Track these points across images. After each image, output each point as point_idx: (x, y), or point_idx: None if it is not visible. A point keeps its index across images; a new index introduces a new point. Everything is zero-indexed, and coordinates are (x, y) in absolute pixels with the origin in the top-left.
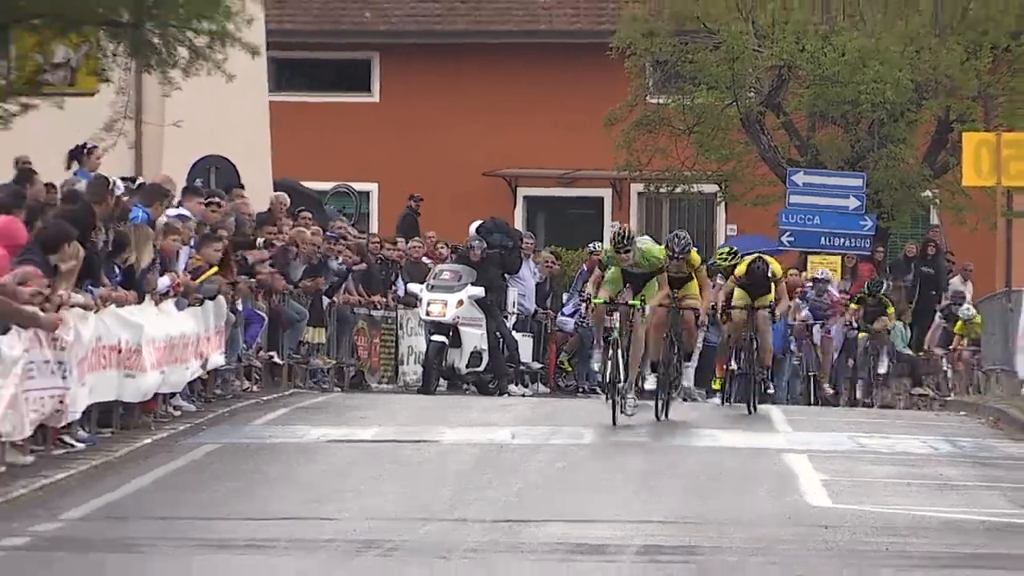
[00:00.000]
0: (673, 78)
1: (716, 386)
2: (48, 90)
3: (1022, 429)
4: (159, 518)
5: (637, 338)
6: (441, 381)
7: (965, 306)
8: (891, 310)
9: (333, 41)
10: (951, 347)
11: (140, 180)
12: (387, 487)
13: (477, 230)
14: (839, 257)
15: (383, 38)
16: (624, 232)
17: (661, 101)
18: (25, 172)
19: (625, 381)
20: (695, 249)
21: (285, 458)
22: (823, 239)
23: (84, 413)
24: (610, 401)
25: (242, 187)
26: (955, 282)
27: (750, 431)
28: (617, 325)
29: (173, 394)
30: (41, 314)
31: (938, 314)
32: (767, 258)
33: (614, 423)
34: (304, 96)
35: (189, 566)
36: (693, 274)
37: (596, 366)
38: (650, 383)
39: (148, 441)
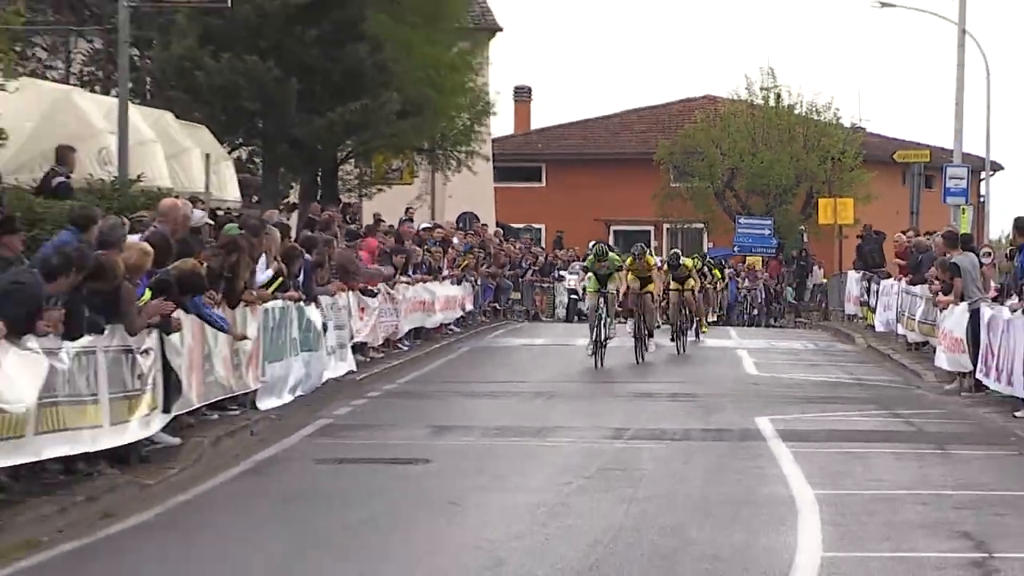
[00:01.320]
0: (683, 174)
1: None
2: (391, 181)
3: (846, 339)
4: (443, 381)
5: (611, 312)
6: (574, 318)
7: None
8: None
9: (524, 154)
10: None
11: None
12: (550, 366)
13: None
14: (759, 257)
15: (548, 158)
16: (602, 249)
17: (676, 185)
18: (375, 222)
19: (607, 329)
20: (650, 255)
21: (503, 354)
22: (753, 248)
23: (406, 334)
24: (594, 355)
25: (484, 226)
26: (815, 269)
27: (718, 339)
28: (601, 306)
29: (449, 324)
30: (382, 271)
31: (810, 282)
32: (683, 257)
33: (597, 368)
34: (509, 183)
35: (457, 404)
36: (652, 272)
37: (585, 342)
38: (613, 335)
39: (437, 346)
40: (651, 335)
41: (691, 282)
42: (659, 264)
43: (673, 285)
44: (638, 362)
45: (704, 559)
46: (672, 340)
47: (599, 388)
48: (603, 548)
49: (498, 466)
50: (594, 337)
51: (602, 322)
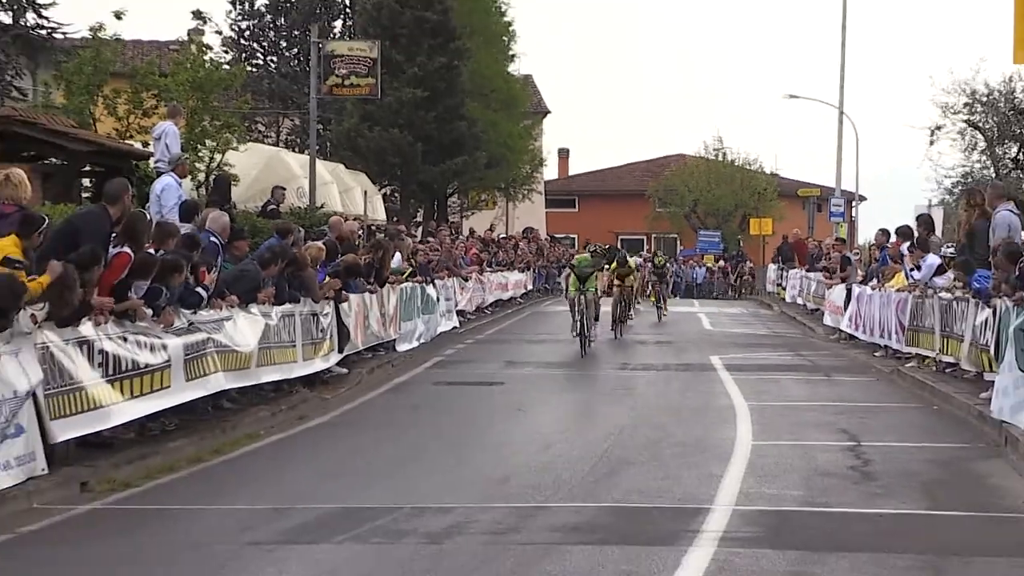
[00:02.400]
0: (664, 203)
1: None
2: (480, 207)
3: (767, 308)
4: (513, 333)
5: (592, 308)
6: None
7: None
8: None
9: (564, 191)
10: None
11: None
12: None
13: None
14: (714, 255)
15: (579, 193)
16: (623, 256)
17: (660, 210)
18: (471, 234)
19: (589, 331)
20: (630, 259)
21: (551, 316)
22: (708, 250)
23: (491, 304)
24: (579, 342)
25: (539, 235)
26: (747, 263)
27: (686, 307)
28: (582, 303)
29: (517, 297)
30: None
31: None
32: (628, 256)
33: (583, 355)
34: (555, 209)
35: (523, 347)
36: (631, 270)
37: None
38: (595, 334)
39: (510, 311)
40: (629, 314)
41: (630, 279)
42: (640, 263)
43: (616, 281)
44: (615, 337)
45: (678, 445)
46: (612, 327)
47: (609, 337)
48: (614, 438)
49: (548, 387)
50: (578, 330)
51: (584, 318)
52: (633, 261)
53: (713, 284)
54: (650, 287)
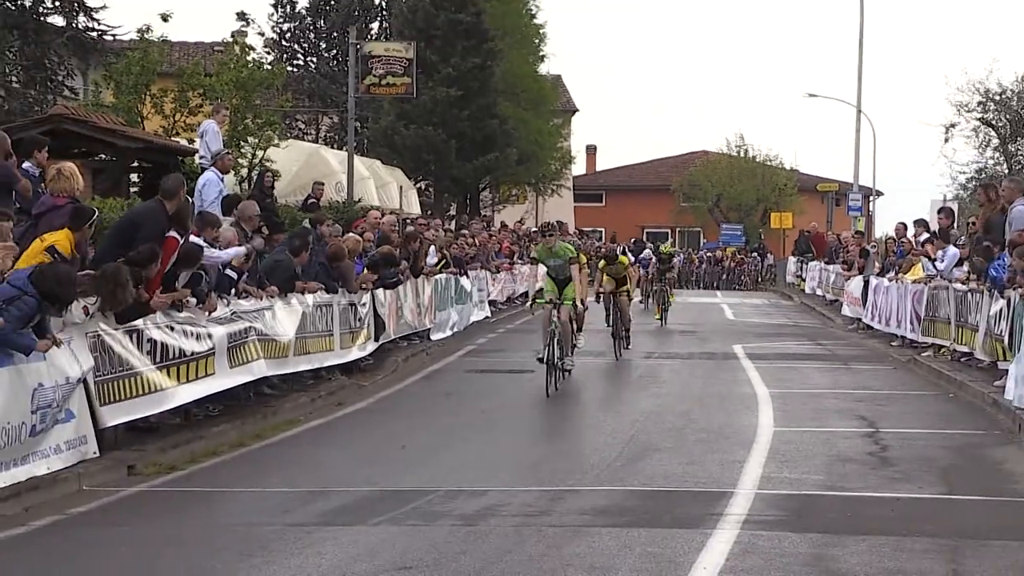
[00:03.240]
0: (689, 198)
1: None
2: (512, 202)
3: (788, 299)
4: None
5: (564, 327)
6: None
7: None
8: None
9: (592, 186)
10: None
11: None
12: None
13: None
14: (736, 248)
15: (606, 188)
16: (550, 224)
17: (684, 204)
18: (502, 227)
19: (563, 358)
20: (623, 255)
21: None
22: (731, 243)
23: (521, 294)
24: (547, 378)
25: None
26: (768, 255)
27: (709, 298)
28: (555, 322)
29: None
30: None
31: (765, 263)
32: (620, 255)
33: (548, 395)
34: (583, 203)
35: (529, 358)
36: (627, 272)
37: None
38: (568, 363)
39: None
40: (628, 331)
41: (626, 286)
42: (632, 261)
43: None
44: (617, 358)
45: (701, 431)
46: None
47: (637, 326)
48: (640, 423)
49: (575, 376)
50: (547, 356)
51: (555, 340)
52: (627, 258)
53: (728, 274)
54: (652, 286)
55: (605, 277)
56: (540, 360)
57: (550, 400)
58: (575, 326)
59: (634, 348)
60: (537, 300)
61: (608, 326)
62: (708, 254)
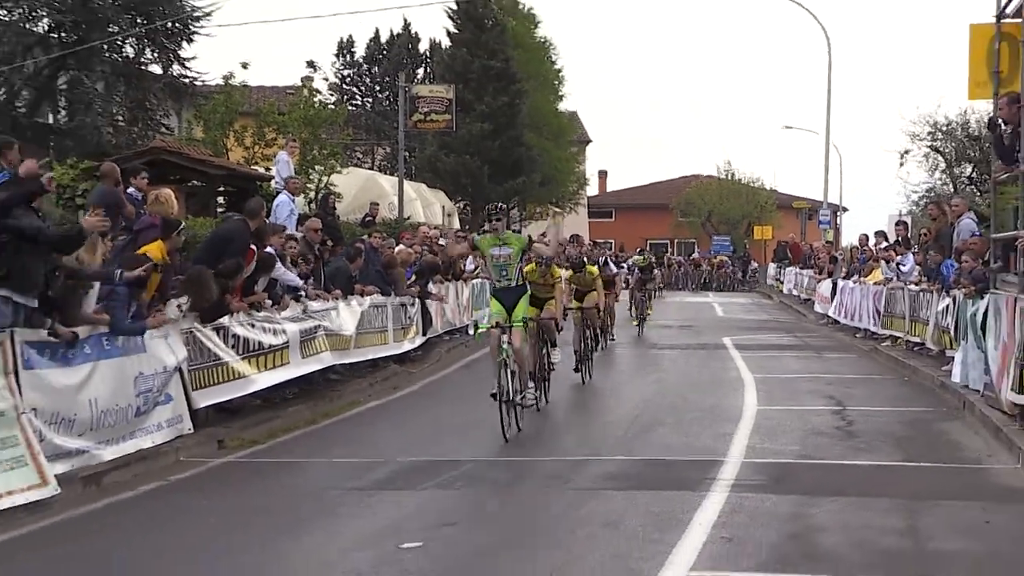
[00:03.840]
0: (685, 214)
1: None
2: (535, 219)
3: (768, 298)
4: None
5: (519, 354)
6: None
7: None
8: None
9: (603, 204)
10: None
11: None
12: (620, 313)
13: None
14: (727, 256)
15: (616, 206)
16: (495, 207)
17: (681, 220)
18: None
19: (519, 393)
20: (591, 265)
21: None
22: (721, 251)
23: None
24: (501, 419)
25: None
26: (752, 262)
27: (702, 297)
28: (505, 348)
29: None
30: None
31: (749, 269)
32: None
33: (505, 439)
34: (596, 220)
35: (571, 329)
36: (596, 282)
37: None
38: (529, 398)
39: None
40: (606, 334)
41: (592, 296)
42: (614, 272)
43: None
44: (583, 383)
45: (696, 411)
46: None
47: (576, 381)
48: (643, 405)
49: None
50: (500, 392)
51: (506, 370)
52: (594, 268)
53: (716, 278)
54: (633, 295)
55: (571, 289)
56: (493, 396)
57: (569, 385)
58: (551, 341)
59: (641, 339)
60: (480, 326)
61: (575, 349)
62: (681, 258)
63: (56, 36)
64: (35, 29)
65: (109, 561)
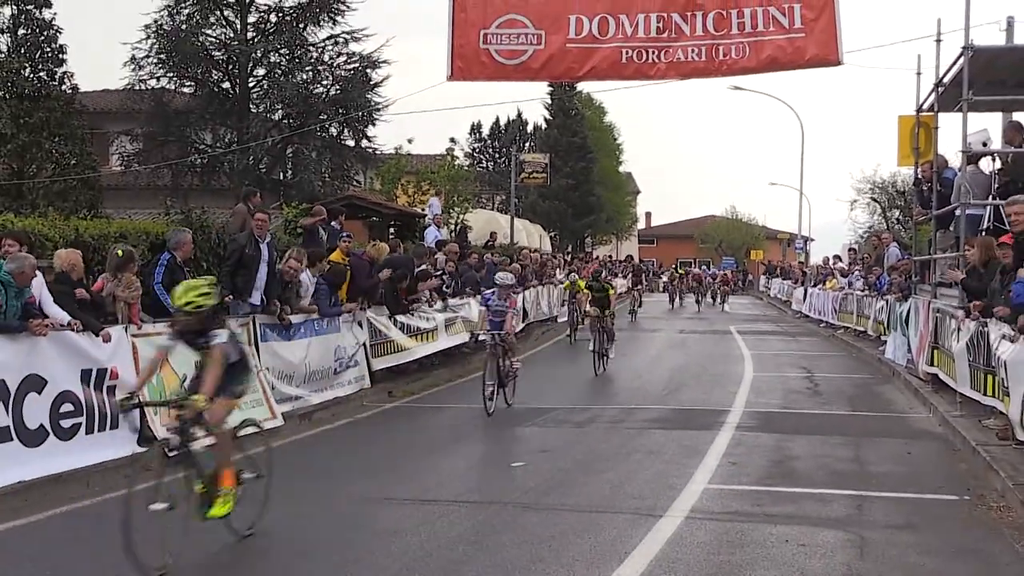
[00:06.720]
0: (704, 242)
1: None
2: (602, 244)
3: (761, 300)
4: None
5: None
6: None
7: (750, 278)
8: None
9: (649, 234)
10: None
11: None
12: (657, 308)
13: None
14: (730, 270)
15: (658, 236)
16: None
17: (702, 246)
18: (597, 258)
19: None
20: (612, 288)
21: (644, 305)
22: (727, 268)
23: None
24: (595, 362)
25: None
26: (749, 276)
27: (706, 305)
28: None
29: (621, 294)
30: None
31: (748, 280)
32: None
33: (596, 374)
34: (644, 245)
35: (616, 322)
36: (609, 293)
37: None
38: (611, 351)
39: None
40: (612, 342)
41: (608, 311)
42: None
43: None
44: (596, 374)
45: (712, 377)
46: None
47: (674, 315)
48: (674, 373)
49: (632, 344)
50: (595, 346)
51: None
52: (613, 290)
53: (730, 287)
54: (628, 294)
55: (589, 305)
56: (592, 352)
57: (611, 359)
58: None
59: (670, 326)
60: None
61: (591, 349)
62: (689, 270)
63: (287, 122)
64: (273, 117)
65: (319, 466)
